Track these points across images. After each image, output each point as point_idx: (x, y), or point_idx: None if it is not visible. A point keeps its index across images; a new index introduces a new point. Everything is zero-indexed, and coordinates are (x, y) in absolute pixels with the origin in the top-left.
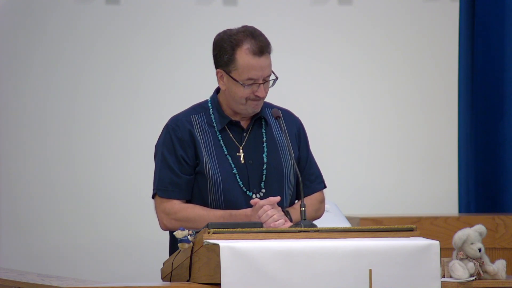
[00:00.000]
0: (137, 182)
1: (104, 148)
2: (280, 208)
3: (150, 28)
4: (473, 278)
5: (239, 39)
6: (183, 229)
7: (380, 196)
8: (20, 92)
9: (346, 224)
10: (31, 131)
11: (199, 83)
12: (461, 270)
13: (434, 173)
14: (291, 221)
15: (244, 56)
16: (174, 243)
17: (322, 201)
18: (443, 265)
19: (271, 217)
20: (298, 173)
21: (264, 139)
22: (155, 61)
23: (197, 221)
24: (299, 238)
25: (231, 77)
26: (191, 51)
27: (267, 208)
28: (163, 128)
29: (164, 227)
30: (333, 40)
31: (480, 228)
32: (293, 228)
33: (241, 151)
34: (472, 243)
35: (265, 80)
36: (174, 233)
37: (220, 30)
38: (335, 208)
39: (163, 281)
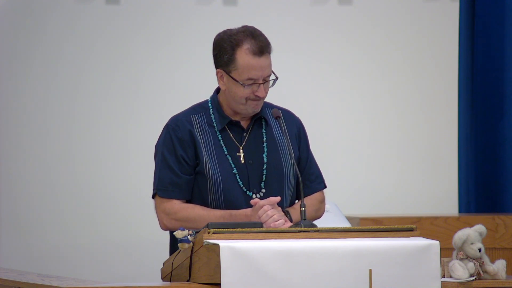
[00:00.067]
0: (137, 182)
1: (104, 148)
2: (280, 208)
3: (150, 28)
4: (473, 278)
5: (239, 39)
6: (183, 229)
7: (380, 196)
8: (20, 92)
9: (346, 224)
10: (31, 131)
11: (199, 83)
12: (461, 270)
13: (434, 173)
14: (291, 221)
15: (244, 56)
16: (174, 243)
17: (322, 201)
18: (443, 265)
19: (271, 217)
20: (298, 173)
21: (264, 139)
22: (155, 61)
23: (197, 221)
24: (299, 238)
25: (231, 77)
26: (191, 51)
27: (267, 208)
28: (163, 128)
29: (164, 227)
30: (333, 40)
31: (480, 228)
32: (293, 228)
33: (241, 151)
34: (472, 243)
35: (265, 80)
36: (174, 233)
37: (220, 30)
38: (335, 208)
39: (163, 281)
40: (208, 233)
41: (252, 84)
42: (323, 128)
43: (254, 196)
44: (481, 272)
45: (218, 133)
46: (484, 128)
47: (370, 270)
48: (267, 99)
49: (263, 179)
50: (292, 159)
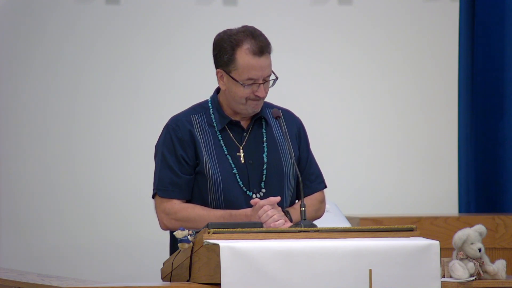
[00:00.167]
0: (137, 182)
1: (104, 148)
2: (280, 208)
3: (150, 28)
4: (473, 278)
5: (239, 39)
6: (183, 229)
7: (380, 196)
8: (20, 92)
9: (346, 224)
10: (31, 131)
11: (199, 83)
12: (461, 270)
13: (434, 173)
14: (291, 221)
15: (244, 56)
16: (174, 243)
17: (322, 201)
18: (443, 265)
19: (271, 217)
20: (298, 173)
21: (264, 139)
22: (155, 61)
23: (197, 221)
24: (299, 238)
25: (231, 77)
26: (191, 51)
27: (267, 208)
28: (163, 128)
29: (164, 227)
30: (333, 40)
31: (480, 228)
32: (293, 228)
33: (241, 151)
34: (472, 243)
35: (265, 80)
36: (174, 233)
37: (220, 30)
38: (335, 208)
39: (163, 281)
40: (208, 233)
41: (252, 84)
42: (323, 128)
43: (254, 196)
44: (481, 272)
45: (218, 133)
46: (484, 128)
47: (370, 270)
48: (267, 99)
49: (263, 179)
50: (292, 160)
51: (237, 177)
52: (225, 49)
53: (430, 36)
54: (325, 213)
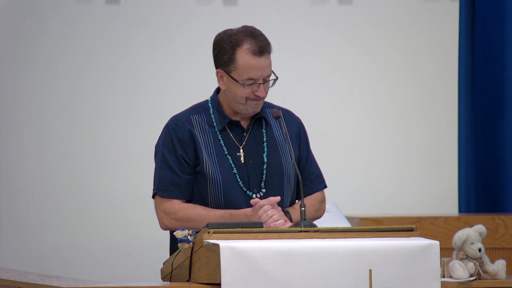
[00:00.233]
0: (137, 182)
1: (104, 148)
2: (280, 208)
3: (150, 28)
4: (473, 278)
5: (239, 39)
6: (183, 229)
7: (380, 196)
8: (20, 92)
9: (346, 224)
10: (31, 131)
11: (199, 83)
12: (461, 270)
13: (434, 173)
14: (291, 221)
15: (244, 56)
16: (174, 243)
17: (322, 201)
18: (443, 265)
19: (271, 217)
20: (298, 173)
21: (265, 139)
22: (155, 61)
23: (197, 221)
24: (299, 238)
25: (231, 77)
26: (191, 51)
27: (267, 208)
28: (163, 128)
29: (164, 227)
30: (333, 40)
31: (480, 228)
32: (293, 228)
33: (241, 151)
34: (472, 243)
35: (265, 80)
36: (174, 233)
37: (220, 30)
38: (335, 208)
39: (163, 281)
40: (208, 233)
41: (252, 84)
42: (323, 128)
43: (254, 196)
44: (481, 272)
45: (218, 133)
46: (484, 128)
47: (370, 270)
48: (267, 99)
49: (263, 179)
50: (293, 160)
51: (237, 177)
52: (225, 49)
53: (430, 36)
54: (325, 213)
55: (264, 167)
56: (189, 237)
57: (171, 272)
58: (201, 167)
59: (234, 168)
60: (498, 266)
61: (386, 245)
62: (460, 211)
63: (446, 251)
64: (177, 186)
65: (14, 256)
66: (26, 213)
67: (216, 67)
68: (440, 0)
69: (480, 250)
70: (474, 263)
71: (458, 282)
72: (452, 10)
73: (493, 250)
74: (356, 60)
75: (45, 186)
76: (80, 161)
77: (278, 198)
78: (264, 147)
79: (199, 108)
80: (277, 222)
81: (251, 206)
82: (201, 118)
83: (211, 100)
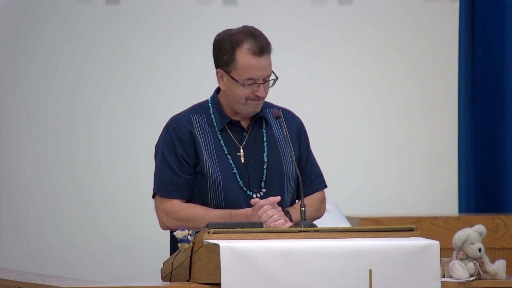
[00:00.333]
0: (137, 182)
1: (104, 148)
2: (280, 208)
3: (150, 28)
4: (473, 278)
5: (239, 39)
6: (183, 229)
7: (380, 196)
8: (20, 92)
9: (346, 224)
10: (31, 131)
11: (199, 83)
12: (461, 270)
13: (434, 173)
14: (291, 221)
15: (244, 56)
16: (174, 243)
17: (322, 201)
18: (443, 265)
19: (271, 217)
20: (298, 173)
21: (265, 138)
22: (155, 61)
23: (197, 221)
24: (299, 238)
25: (231, 77)
26: (191, 51)
27: (267, 208)
28: (163, 128)
29: (164, 227)
30: (333, 40)
31: (480, 228)
32: (293, 228)
33: (241, 150)
34: (472, 243)
35: (265, 80)
36: (174, 233)
37: (220, 30)
38: (335, 208)
39: (163, 281)
40: (208, 233)
41: (252, 84)
42: (323, 128)
43: (254, 195)
44: (481, 272)
45: (218, 133)
46: (484, 128)
47: (370, 270)
48: (267, 99)
49: (263, 179)
50: (293, 160)
51: (237, 177)
52: (225, 49)
53: (430, 36)
54: (325, 213)
55: (264, 167)
56: (189, 237)
57: (171, 272)
58: (201, 167)
59: (234, 168)
60: (498, 266)
61: (386, 245)
62: (460, 211)
63: (446, 251)
64: (177, 186)
65: (14, 256)
66: (26, 213)
67: (216, 67)
68: (440, 0)
69: (480, 250)
70: (474, 263)
71: (458, 282)
72: (452, 10)
73: (493, 250)
74: (356, 60)
75: (45, 186)
76: (80, 161)
77: (278, 198)
78: (264, 147)
79: (199, 108)
80: (277, 222)
81: (251, 206)
82: (201, 118)
83: (211, 100)
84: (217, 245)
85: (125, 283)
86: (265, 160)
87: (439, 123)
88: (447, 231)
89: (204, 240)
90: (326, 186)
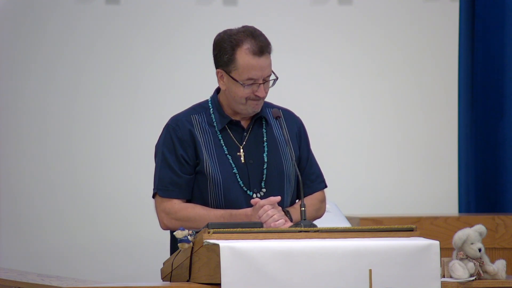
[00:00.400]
0: (137, 182)
1: (104, 148)
2: (280, 208)
3: (150, 28)
4: (473, 278)
5: (239, 39)
6: (183, 229)
7: (380, 196)
8: (20, 92)
9: (346, 224)
10: (31, 131)
11: (199, 83)
12: (461, 270)
13: (434, 173)
14: (291, 221)
15: (244, 56)
16: (174, 243)
17: (323, 201)
18: (443, 265)
19: (271, 217)
20: (298, 173)
21: (265, 138)
22: (155, 61)
23: (197, 221)
24: (299, 238)
25: (231, 77)
26: (191, 51)
27: (267, 208)
28: (163, 128)
29: (164, 227)
30: (333, 40)
31: (480, 228)
32: (293, 228)
33: (241, 150)
34: (472, 243)
35: (265, 80)
36: (174, 233)
37: (220, 30)
38: (335, 208)
39: (163, 281)
40: (208, 233)
41: (252, 84)
42: (323, 128)
43: (254, 195)
44: (481, 272)
45: (218, 133)
46: (484, 128)
47: (370, 270)
48: (267, 99)
49: (264, 179)
50: (293, 160)
51: (237, 177)
52: (225, 49)
53: (430, 36)
54: (325, 213)
55: (264, 167)
56: (189, 237)
57: (171, 272)
58: (201, 167)
59: (234, 168)
60: (498, 266)
61: (386, 245)
62: (460, 211)
63: (446, 251)
64: (177, 186)
65: (14, 256)
66: (26, 213)
67: (216, 67)
68: (440, 0)
69: (480, 250)
70: (474, 263)
71: (458, 282)
72: (452, 10)
73: (493, 250)
74: (356, 60)
75: (45, 186)
76: (80, 161)
77: (278, 198)
78: (264, 147)
79: (199, 108)
80: (277, 222)
81: (251, 206)
82: (201, 118)
83: (211, 100)
84: (217, 245)
85: (125, 283)
86: (265, 160)
87: (439, 123)
88: (447, 231)
89: (204, 240)
90: (326, 186)
